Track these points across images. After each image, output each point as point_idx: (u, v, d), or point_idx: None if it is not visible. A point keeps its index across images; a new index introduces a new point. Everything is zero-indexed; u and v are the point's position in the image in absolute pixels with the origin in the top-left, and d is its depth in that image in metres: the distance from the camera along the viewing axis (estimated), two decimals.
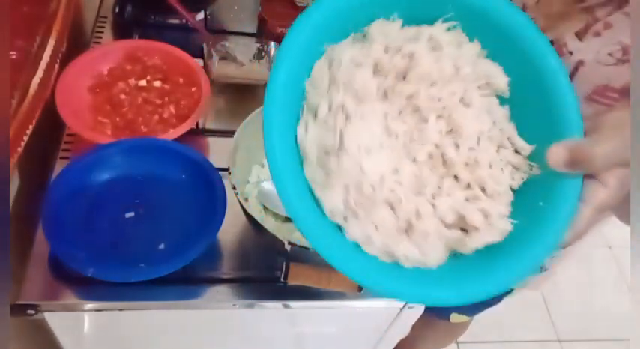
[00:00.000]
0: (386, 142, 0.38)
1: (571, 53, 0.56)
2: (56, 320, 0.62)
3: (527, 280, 0.87)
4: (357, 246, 0.37)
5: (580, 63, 0.56)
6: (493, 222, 0.38)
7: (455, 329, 1.19)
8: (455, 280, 0.37)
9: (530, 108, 0.41)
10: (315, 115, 0.38)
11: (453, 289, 0.37)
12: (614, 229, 0.73)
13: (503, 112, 0.42)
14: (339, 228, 0.37)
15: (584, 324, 1.72)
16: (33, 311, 0.59)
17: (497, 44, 0.41)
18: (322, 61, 0.39)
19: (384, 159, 0.37)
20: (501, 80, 0.41)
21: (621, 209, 0.56)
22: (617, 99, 0.55)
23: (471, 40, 0.42)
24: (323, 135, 0.37)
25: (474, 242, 0.38)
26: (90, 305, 0.61)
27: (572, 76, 0.57)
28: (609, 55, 0.54)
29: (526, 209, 0.39)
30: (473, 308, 1.01)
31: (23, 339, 0.71)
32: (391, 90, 0.39)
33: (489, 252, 0.38)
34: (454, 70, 0.40)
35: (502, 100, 0.42)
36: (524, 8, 0.61)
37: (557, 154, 0.36)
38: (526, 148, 0.40)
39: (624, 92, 0.54)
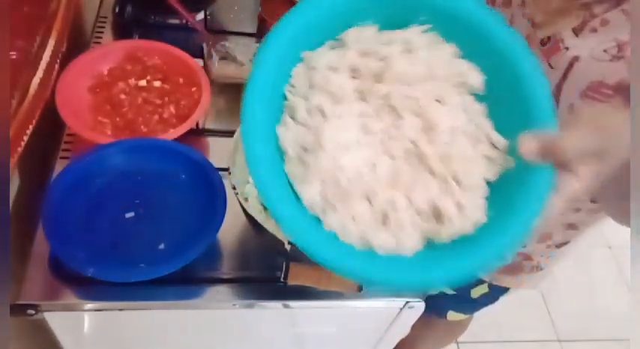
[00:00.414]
0: (363, 140, 0.40)
1: (567, 49, 0.56)
2: (56, 320, 0.62)
3: (525, 279, 0.87)
4: (334, 235, 0.38)
5: (575, 59, 0.56)
6: (467, 214, 0.39)
7: (454, 328, 1.19)
8: (426, 266, 0.39)
9: (507, 105, 0.42)
10: (294, 117, 0.40)
11: (422, 274, 0.38)
12: (614, 229, 0.73)
13: (479, 109, 0.43)
14: (318, 220, 0.38)
15: (584, 324, 1.72)
16: (33, 311, 0.59)
17: (473, 45, 0.42)
18: (300, 66, 0.41)
19: (362, 155, 0.39)
20: (476, 78, 0.42)
21: (603, 200, 0.57)
22: (611, 95, 0.55)
23: (447, 41, 0.43)
24: (302, 134, 0.39)
25: (448, 232, 0.39)
26: (90, 305, 0.61)
27: (567, 71, 0.58)
28: (605, 51, 0.54)
29: (500, 200, 0.40)
30: (469, 307, 1.01)
31: (23, 339, 0.71)
32: (368, 91, 0.41)
33: (462, 240, 0.40)
34: (428, 71, 0.41)
35: (480, 98, 0.43)
36: (522, 4, 0.61)
37: (529, 143, 0.37)
38: (501, 142, 0.41)
39: (618, 89, 0.54)
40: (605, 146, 0.38)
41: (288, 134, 0.39)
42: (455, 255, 0.39)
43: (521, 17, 0.62)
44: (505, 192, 0.40)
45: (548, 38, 0.58)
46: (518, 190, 0.39)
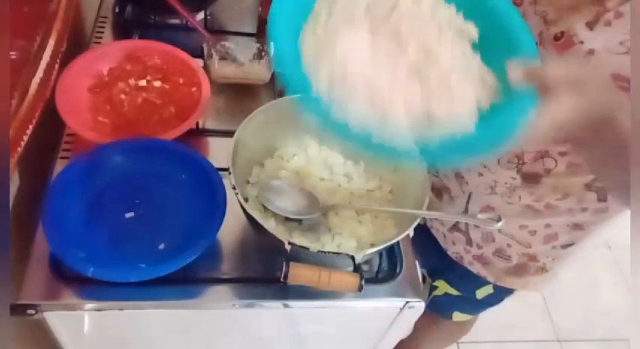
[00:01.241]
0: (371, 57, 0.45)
1: (582, 43, 0.56)
2: (56, 320, 0.62)
3: (531, 281, 0.87)
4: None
5: (590, 52, 0.56)
6: (456, 120, 0.44)
7: (459, 329, 1.19)
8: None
9: (498, 54, 0.47)
10: (314, 33, 0.47)
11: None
12: (614, 229, 0.73)
13: (475, 55, 0.48)
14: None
15: (584, 324, 1.72)
16: (33, 311, 0.59)
17: (468, 8, 0.50)
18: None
19: (369, 59, 0.44)
20: (472, 29, 0.49)
21: (605, 179, 0.59)
22: (627, 88, 0.55)
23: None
24: (318, 44, 0.45)
25: (438, 133, 0.43)
26: (90, 305, 0.61)
27: None
28: (620, 43, 0.54)
29: (487, 122, 0.46)
30: (474, 308, 1.01)
31: (23, 339, 0.71)
32: (377, 29, 0.46)
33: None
34: (431, 12, 0.47)
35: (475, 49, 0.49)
36: (534, 2, 0.61)
37: (516, 68, 0.43)
38: (491, 78, 0.46)
39: None
40: (582, 77, 0.42)
41: (307, 40, 0.46)
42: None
43: (533, 14, 0.62)
44: (492, 117, 0.45)
45: (562, 33, 0.58)
46: (504, 110, 0.44)
